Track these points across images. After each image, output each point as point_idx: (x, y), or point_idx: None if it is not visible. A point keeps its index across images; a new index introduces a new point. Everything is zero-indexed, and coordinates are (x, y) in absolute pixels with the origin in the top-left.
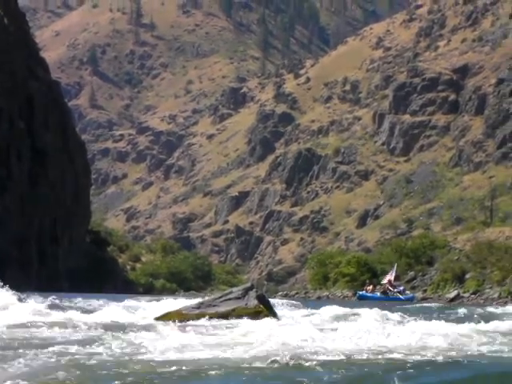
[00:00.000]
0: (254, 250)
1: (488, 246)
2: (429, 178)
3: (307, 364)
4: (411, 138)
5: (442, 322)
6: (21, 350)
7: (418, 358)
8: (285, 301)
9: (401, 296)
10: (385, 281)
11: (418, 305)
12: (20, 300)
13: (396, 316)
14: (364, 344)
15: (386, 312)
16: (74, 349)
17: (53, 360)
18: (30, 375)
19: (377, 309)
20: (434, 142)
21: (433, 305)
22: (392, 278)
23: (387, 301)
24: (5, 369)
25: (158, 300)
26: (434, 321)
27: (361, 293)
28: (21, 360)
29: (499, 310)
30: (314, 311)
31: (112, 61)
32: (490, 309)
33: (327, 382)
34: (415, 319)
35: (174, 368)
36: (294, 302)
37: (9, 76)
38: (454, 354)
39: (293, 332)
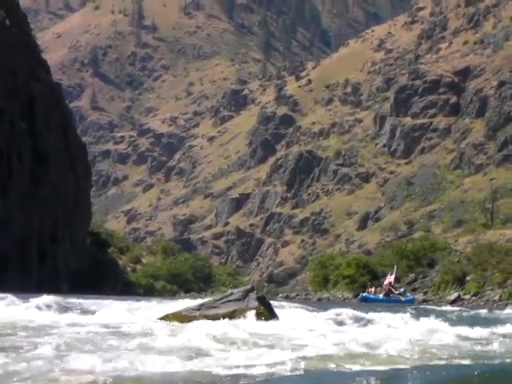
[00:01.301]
0: (255, 252)
1: (489, 248)
2: (430, 181)
3: (302, 366)
4: (412, 141)
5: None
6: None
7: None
8: (296, 304)
9: (402, 298)
10: (385, 283)
11: (431, 307)
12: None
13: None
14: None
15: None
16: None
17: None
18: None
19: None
20: (435, 145)
21: (451, 308)
22: (392, 280)
23: (389, 303)
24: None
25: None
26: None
27: (364, 295)
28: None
29: None
30: (316, 313)
31: (113, 63)
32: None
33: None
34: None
35: (176, 369)
36: (307, 306)
37: (10, 77)
38: None
39: (291, 334)
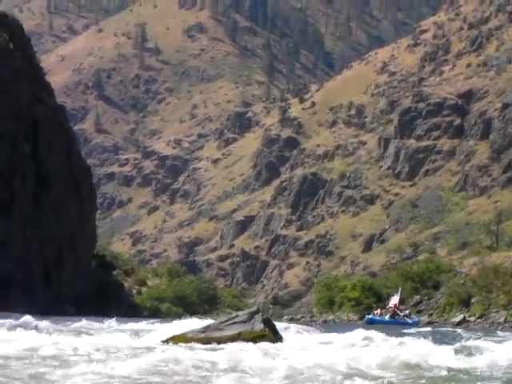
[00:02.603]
0: (260, 274)
1: (494, 270)
2: (434, 203)
3: None
4: (416, 163)
5: None
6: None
7: None
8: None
9: (408, 320)
10: (390, 305)
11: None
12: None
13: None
14: None
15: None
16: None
17: None
18: None
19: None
20: (440, 167)
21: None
22: (397, 302)
23: (395, 325)
24: None
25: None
26: None
27: (370, 317)
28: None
29: None
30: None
31: (117, 85)
32: None
33: None
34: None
35: None
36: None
37: (14, 100)
38: None
39: (297, 357)
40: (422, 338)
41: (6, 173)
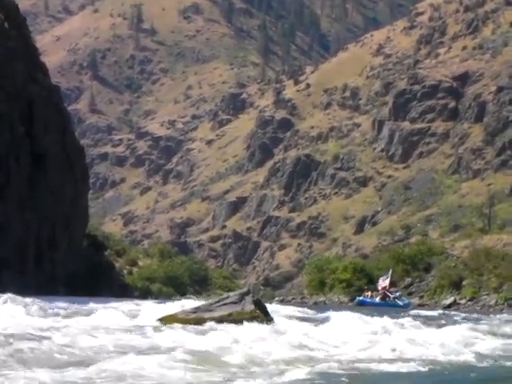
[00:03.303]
0: (251, 256)
1: (485, 253)
2: (427, 185)
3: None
4: (410, 145)
5: None
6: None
7: None
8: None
9: (399, 302)
10: (380, 287)
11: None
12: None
13: None
14: None
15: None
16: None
17: None
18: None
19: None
20: (433, 149)
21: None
22: (387, 284)
23: (386, 307)
24: None
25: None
26: None
27: (360, 298)
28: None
29: None
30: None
31: (112, 66)
32: None
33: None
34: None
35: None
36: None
37: (9, 80)
38: None
39: (285, 337)
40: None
41: (3, 155)
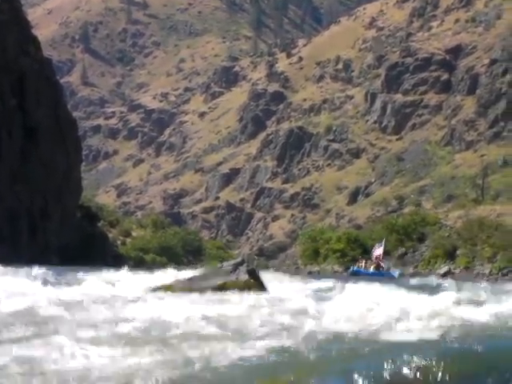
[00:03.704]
0: (245, 226)
1: (479, 223)
2: (420, 157)
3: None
4: (403, 117)
5: None
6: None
7: None
8: None
9: (396, 272)
10: (373, 256)
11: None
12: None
13: None
14: None
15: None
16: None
17: None
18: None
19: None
20: (426, 121)
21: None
22: (381, 253)
23: (380, 276)
24: None
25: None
26: None
27: (354, 268)
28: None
29: None
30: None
31: (104, 39)
32: None
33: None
34: None
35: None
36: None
37: (0, 54)
38: None
39: (280, 305)
40: None
41: None
